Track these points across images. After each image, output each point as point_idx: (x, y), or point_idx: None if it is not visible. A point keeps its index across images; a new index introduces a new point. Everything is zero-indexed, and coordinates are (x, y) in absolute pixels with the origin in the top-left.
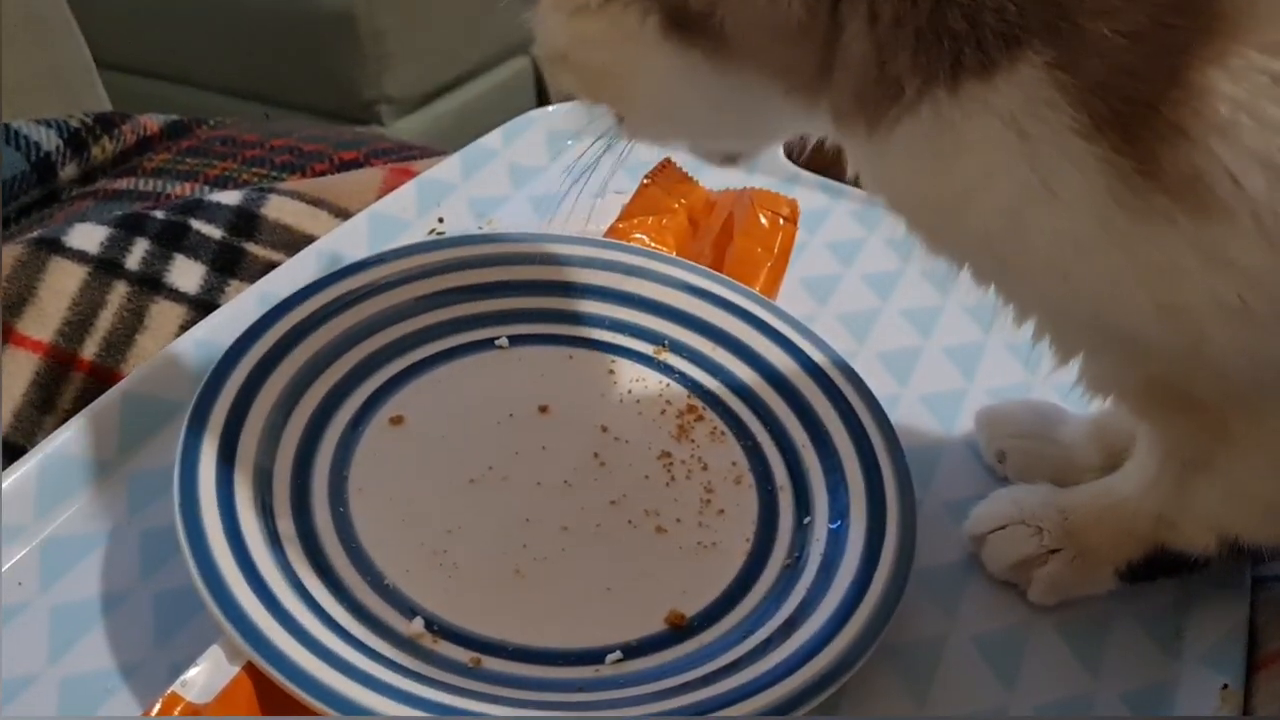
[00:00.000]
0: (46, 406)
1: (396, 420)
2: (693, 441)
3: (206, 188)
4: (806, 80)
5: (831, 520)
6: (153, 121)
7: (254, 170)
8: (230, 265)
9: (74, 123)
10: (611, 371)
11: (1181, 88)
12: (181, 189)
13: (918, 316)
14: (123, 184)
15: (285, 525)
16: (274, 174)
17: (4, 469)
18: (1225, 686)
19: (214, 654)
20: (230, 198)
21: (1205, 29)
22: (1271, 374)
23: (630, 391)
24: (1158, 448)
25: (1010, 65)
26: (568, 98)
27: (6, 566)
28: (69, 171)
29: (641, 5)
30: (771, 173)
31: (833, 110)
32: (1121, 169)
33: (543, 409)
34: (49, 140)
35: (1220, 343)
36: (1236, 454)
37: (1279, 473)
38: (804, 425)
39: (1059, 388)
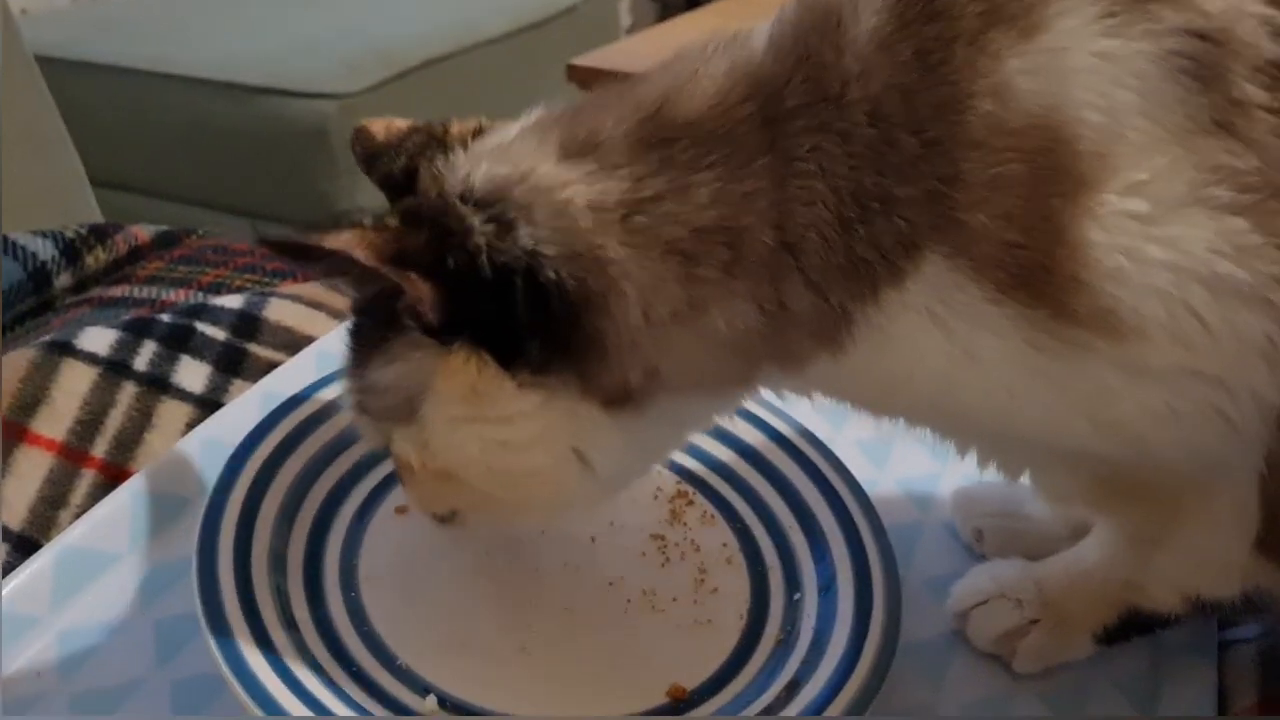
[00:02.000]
0: (59, 503)
1: (401, 510)
2: (684, 525)
3: (200, 294)
4: (754, 366)
5: (819, 594)
6: (143, 231)
7: (246, 276)
8: (234, 365)
9: (69, 233)
10: None
11: (1064, 245)
12: (175, 295)
13: None
14: (117, 291)
15: (300, 611)
16: (266, 280)
17: (20, 564)
18: None
19: None
20: (233, 301)
21: (1072, 191)
22: (1209, 463)
23: None
24: (1117, 529)
25: (915, 267)
26: None
27: (25, 658)
28: (63, 280)
29: (580, 395)
30: None
31: (788, 364)
32: (1034, 320)
33: None
34: (45, 250)
35: (1158, 445)
36: (1189, 526)
37: (1229, 537)
38: (790, 507)
39: None
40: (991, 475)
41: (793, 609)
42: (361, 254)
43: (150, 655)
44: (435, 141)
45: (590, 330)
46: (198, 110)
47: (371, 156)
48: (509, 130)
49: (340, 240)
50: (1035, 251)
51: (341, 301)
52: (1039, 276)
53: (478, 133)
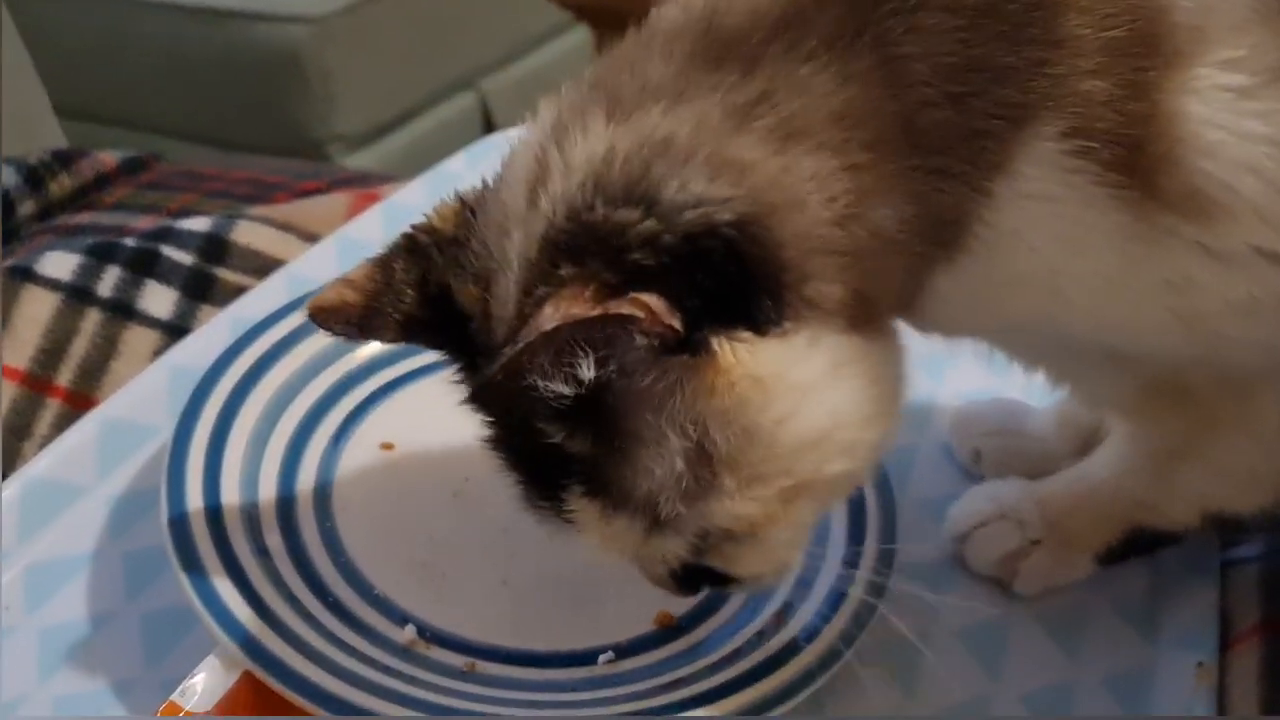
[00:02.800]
0: (23, 433)
1: (387, 446)
2: None
3: (169, 219)
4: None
5: None
6: (110, 158)
7: (216, 202)
8: (201, 291)
9: (32, 160)
10: None
11: (1160, 119)
12: (143, 222)
13: None
14: (83, 219)
15: (273, 539)
16: (235, 205)
17: None
18: (1200, 664)
19: (210, 664)
20: (199, 224)
21: (1168, 63)
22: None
23: None
24: (1142, 442)
25: (1026, 147)
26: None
27: None
28: (27, 208)
29: (832, 324)
30: None
31: (921, 274)
32: (1129, 201)
33: None
34: (7, 178)
35: (1236, 339)
36: (1224, 435)
37: (1263, 445)
38: None
39: (1023, 386)
40: (987, 394)
41: None
42: (580, 311)
43: (120, 588)
44: (428, 250)
45: (792, 245)
46: (165, 36)
47: (362, 321)
48: (525, 157)
49: (547, 319)
50: (1133, 126)
51: (313, 224)
52: (1134, 153)
53: (480, 200)
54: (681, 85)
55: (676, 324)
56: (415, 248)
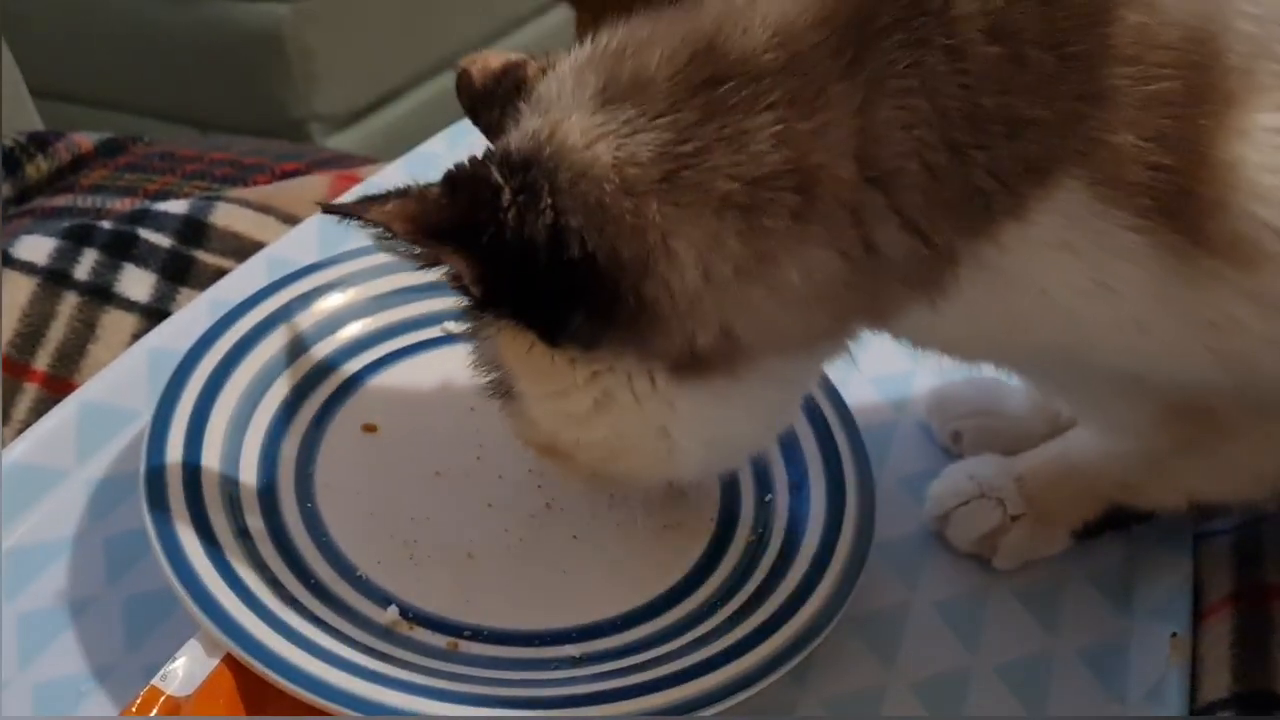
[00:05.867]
0: (2, 418)
1: (370, 428)
2: None
3: (147, 202)
4: (842, 319)
5: (791, 493)
6: (86, 140)
7: (194, 184)
8: (180, 273)
9: (7, 142)
10: None
11: (1211, 166)
12: (121, 204)
13: None
14: (60, 201)
15: (254, 522)
16: (214, 187)
17: None
18: (1174, 635)
19: (192, 648)
20: (178, 207)
21: (1218, 110)
22: None
23: None
24: (1145, 438)
25: (1046, 195)
26: None
27: None
28: (3, 191)
29: (641, 368)
30: None
31: (875, 315)
32: (1172, 246)
33: None
34: None
35: (1273, 374)
36: (1237, 443)
37: (1269, 447)
38: None
39: None
40: (966, 375)
41: (763, 510)
42: (400, 227)
43: (101, 572)
44: (521, 84)
45: (638, 298)
46: (144, 15)
47: (475, 105)
48: (562, 67)
49: (382, 212)
50: (1181, 175)
51: (292, 206)
52: (1181, 201)
53: (549, 69)
54: (659, 99)
55: (475, 293)
56: (519, 76)
